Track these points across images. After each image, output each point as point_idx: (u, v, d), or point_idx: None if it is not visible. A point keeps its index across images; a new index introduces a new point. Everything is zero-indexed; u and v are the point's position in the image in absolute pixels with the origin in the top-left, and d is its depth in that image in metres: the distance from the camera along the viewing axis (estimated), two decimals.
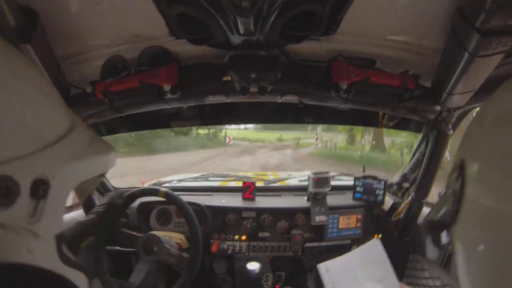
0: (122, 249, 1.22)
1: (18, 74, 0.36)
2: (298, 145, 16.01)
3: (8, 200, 0.32)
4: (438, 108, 1.01)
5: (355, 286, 0.92)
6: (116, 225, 1.19)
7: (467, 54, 0.69)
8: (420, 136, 1.29)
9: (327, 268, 0.97)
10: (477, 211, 0.35)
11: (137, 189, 1.20)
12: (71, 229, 0.96)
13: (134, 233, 1.29)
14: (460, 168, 0.38)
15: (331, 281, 0.94)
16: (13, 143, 0.33)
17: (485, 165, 0.35)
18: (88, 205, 1.32)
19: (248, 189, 1.47)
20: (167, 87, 0.93)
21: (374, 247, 0.98)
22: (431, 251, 1.20)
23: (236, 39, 0.78)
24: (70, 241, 0.89)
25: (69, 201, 1.38)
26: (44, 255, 0.37)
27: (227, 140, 14.86)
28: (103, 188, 1.46)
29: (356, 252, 1.00)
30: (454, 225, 0.39)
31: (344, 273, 0.95)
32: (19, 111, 0.35)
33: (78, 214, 1.35)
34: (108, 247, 1.17)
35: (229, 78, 0.94)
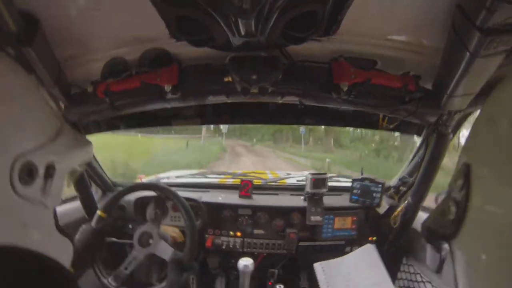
0: (118, 240, 1.27)
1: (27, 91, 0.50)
2: None
3: (31, 179, 0.45)
4: (438, 111, 1.01)
5: (350, 287, 0.92)
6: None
7: (468, 53, 0.69)
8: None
9: (323, 268, 0.97)
10: (483, 220, 0.32)
11: None
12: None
13: (130, 225, 1.37)
14: (466, 175, 0.34)
15: (326, 281, 0.95)
16: (32, 138, 0.47)
17: (497, 170, 0.31)
18: (85, 197, 1.37)
19: (246, 187, 1.49)
20: (168, 87, 0.94)
21: (369, 251, 0.98)
22: (425, 256, 1.19)
23: (237, 41, 0.78)
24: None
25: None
26: (47, 221, 0.51)
27: None
28: (103, 184, 1.51)
29: (352, 255, 1.00)
30: (456, 234, 0.36)
31: (340, 274, 0.95)
32: (34, 118, 0.49)
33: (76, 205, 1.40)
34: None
35: (230, 78, 0.94)
